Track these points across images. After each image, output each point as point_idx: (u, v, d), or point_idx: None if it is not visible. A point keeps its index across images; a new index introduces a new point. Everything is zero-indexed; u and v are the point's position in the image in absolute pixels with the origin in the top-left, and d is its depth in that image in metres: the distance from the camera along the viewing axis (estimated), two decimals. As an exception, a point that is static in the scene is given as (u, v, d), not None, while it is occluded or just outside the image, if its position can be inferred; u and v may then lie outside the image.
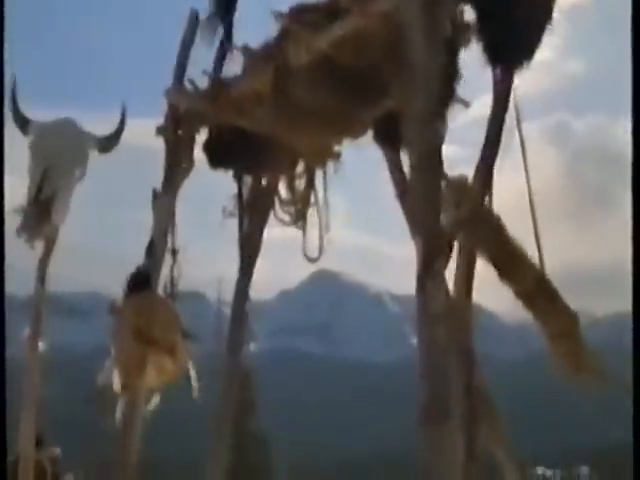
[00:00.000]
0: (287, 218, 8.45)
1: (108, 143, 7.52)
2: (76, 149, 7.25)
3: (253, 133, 7.66)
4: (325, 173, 8.33)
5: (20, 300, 6.88)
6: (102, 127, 7.66)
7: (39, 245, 7.11)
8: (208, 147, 8.08)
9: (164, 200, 7.84)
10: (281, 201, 8.47)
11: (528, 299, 6.60)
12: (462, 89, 6.92)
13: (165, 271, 7.83)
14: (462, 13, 6.54)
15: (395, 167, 7.38)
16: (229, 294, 8.71)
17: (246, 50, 7.58)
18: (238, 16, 7.98)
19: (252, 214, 8.47)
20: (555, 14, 6.46)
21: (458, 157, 6.85)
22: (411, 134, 5.78)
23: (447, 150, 5.98)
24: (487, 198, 6.50)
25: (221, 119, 7.81)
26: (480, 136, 6.55)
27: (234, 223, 8.51)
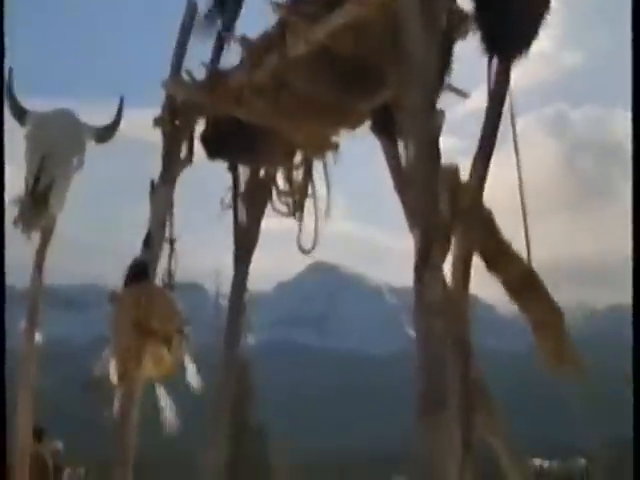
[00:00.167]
0: (284, 209, 8.44)
1: (105, 134, 7.52)
2: (73, 139, 7.25)
3: (251, 124, 7.65)
4: (325, 164, 8.32)
5: (17, 291, 6.88)
6: (99, 118, 7.66)
7: (36, 236, 7.11)
8: (205, 138, 8.07)
9: (162, 191, 7.83)
10: (279, 192, 8.46)
11: (514, 290, 6.67)
12: (461, 80, 6.92)
13: (163, 262, 7.83)
14: (459, 3, 6.53)
15: (393, 158, 7.37)
16: (227, 286, 8.71)
17: (244, 41, 7.56)
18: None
19: (250, 205, 8.46)
20: (552, 5, 6.45)
21: (457, 148, 6.85)
22: (409, 125, 5.78)
23: (446, 142, 5.98)
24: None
25: (219, 110, 7.79)
26: (479, 128, 6.55)
27: (232, 215, 8.50)
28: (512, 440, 7.03)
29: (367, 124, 7.67)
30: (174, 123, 8.06)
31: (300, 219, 8.37)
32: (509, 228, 6.73)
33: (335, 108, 7.44)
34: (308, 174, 8.36)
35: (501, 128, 6.58)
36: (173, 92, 8.06)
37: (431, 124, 5.63)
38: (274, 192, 8.47)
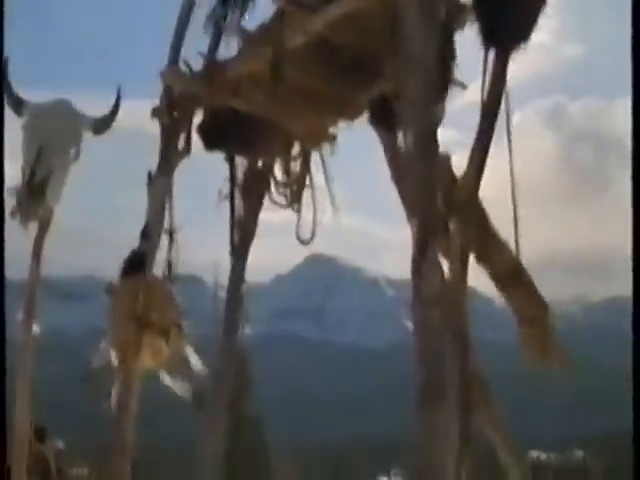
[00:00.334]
0: (282, 201, 8.43)
1: (103, 124, 7.50)
2: (70, 130, 7.23)
3: (248, 115, 7.63)
4: (322, 156, 8.31)
5: (15, 283, 6.87)
6: (97, 109, 7.65)
7: (33, 227, 7.10)
8: (203, 129, 8.05)
9: (159, 182, 7.81)
10: (276, 183, 8.44)
11: (502, 283, 6.69)
12: (458, 72, 6.89)
13: (163, 253, 7.83)
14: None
15: (391, 150, 7.36)
16: (225, 278, 8.70)
17: (242, 31, 7.53)
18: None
19: (247, 197, 8.44)
20: (551, -4, 6.42)
21: (455, 141, 6.82)
22: (407, 116, 5.76)
23: (444, 134, 5.96)
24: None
25: (216, 101, 7.77)
26: (476, 120, 6.54)
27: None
28: (510, 432, 7.04)
29: (365, 116, 7.66)
30: (172, 114, 8.04)
31: (298, 211, 8.36)
32: (504, 220, 6.73)
33: (333, 99, 7.43)
34: (306, 165, 8.35)
35: (499, 120, 6.57)
36: (171, 83, 8.03)
37: (429, 115, 5.61)
38: (272, 183, 8.46)
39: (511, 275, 6.65)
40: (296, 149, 8.37)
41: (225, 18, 7.75)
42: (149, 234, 7.61)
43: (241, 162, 8.53)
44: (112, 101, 7.67)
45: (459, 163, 6.54)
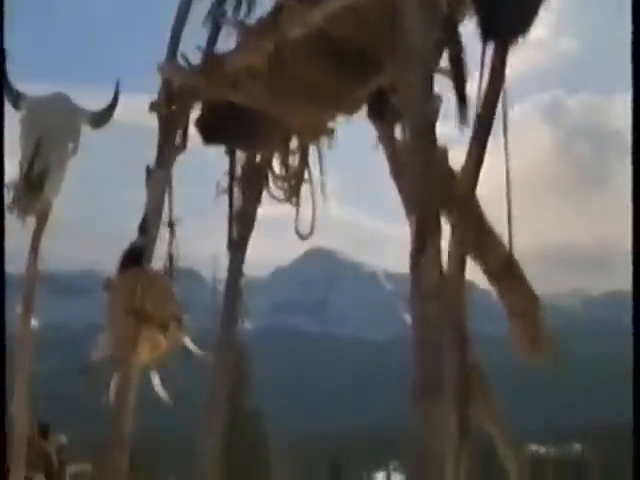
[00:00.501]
0: (281, 194, 8.42)
1: (101, 118, 7.49)
2: (68, 123, 7.22)
3: (247, 109, 7.62)
4: (319, 150, 8.30)
5: (13, 277, 6.86)
6: (96, 103, 7.63)
7: (31, 220, 7.10)
8: (201, 123, 8.04)
9: (157, 176, 7.80)
10: (275, 177, 8.43)
11: (494, 276, 6.70)
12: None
13: (162, 247, 7.82)
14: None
15: (389, 144, 7.35)
16: (224, 272, 8.70)
17: (240, 25, 7.52)
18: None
19: (246, 190, 8.44)
20: (550, -10, 6.41)
21: (453, 135, 6.81)
22: (405, 110, 5.75)
23: (441, 128, 5.96)
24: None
25: (215, 95, 7.76)
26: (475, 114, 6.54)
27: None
28: (508, 425, 7.05)
29: (364, 110, 7.65)
30: (170, 108, 8.03)
31: (296, 204, 8.36)
32: (502, 214, 6.74)
33: (332, 93, 7.41)
34: (304, 159, 8.34)
35: (496, 115, 6.57)
36: (169, 76, 8.02)
37: (428, 108, 5.60)
38: (270, 177, 8.45)
39: (503, 269, 6.67)
40: (294, 143, 8.36)
41: (224, 14, 7.74)
42: (147, 228, 7.60)
43: (239, 156, 8.52)
44: (111, 95, 7.66)
45: (457, 158, 6.55)
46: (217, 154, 8.44)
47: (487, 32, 6.46)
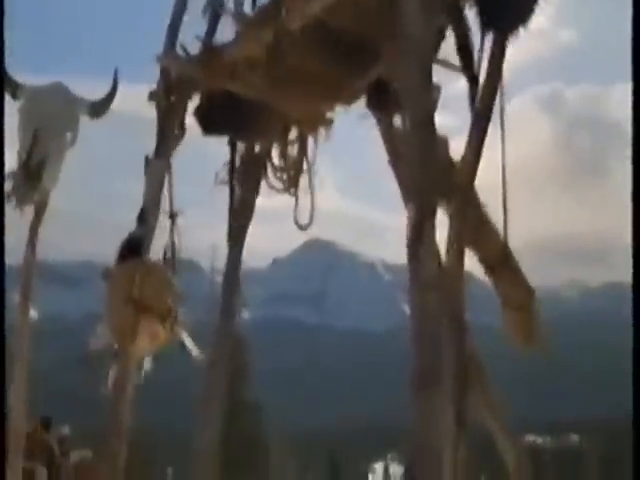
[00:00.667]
0: (279, 185, 8.41)
1: (100, 108, 7.47)
2: (67, 113, 7.20)
3: (246, 99, 7.60)
4: (316, 140, 8.29)
5: (11, 267, 6.86)
6: (94, 94, 7.61)
7: (29, 210, 7.08)
8: (200, 113, 8.02)
9: (156, 166, 7.79)
10: (274, 168, 8.42)
11: (491, 268, 6.72)
12: (456, 57, 6.87)
13: (161, 238, 7.81)
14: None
15: (388, 133, 7.35)
16: (223, 262, 8.69)
17: (239, 15, 7.50)
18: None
19: (245, 181, 8.42)
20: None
21: (452, 126, 6.81)
22: (404, 100, 5.74)
23: (441, 118, 5.95)
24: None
25: (213, 85, 7.74)
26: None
27: (227, 191, 8.47)
28: (506, 417, 7.06)
29: (363, 100, 7.63)
30: (169, 98, 8.01)
31: (295, 195, 8.34)
32: (498, 205, 6.74)
33: (330, 83, 7.39)
34: (303, 150, 8.32)
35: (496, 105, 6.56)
36: (168, 66, 8.01)
37: (427, 98, 5.59)
38: (269, 168, 8.44)
39: (500, 260, 6.69)
40: (293, 133, 8.35)
41: (222, 4, 7.72)
42: (145, 218, 7.60)
43: (239, 146, 8.50)
44: (110, 86, 7.64)
45: (457, 148, 6.55)
46: (216, 145, 8.43)
47: (486, 22, 6.45)
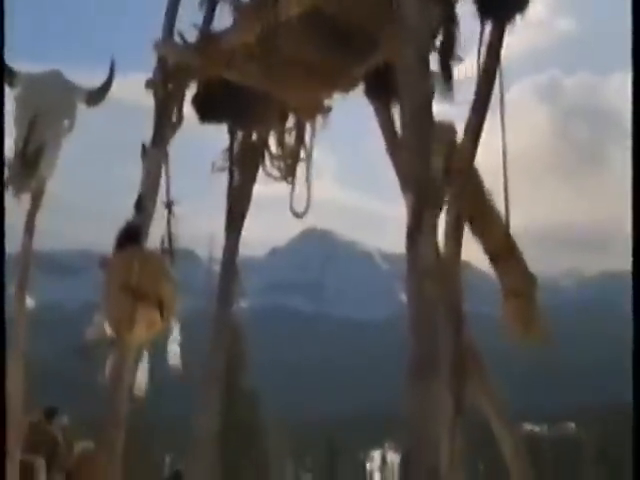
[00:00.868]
0: (276, 173, 8.39)
1: (97, 95, 7.44)
2: (64, 101, 7.17)
3: (243, 87, 7.58)
4: (314, 128, 8.27)
5: (8, 256, 6.83)
6: (92, 83, 7.58)
7: (26, 199, 7.06)
8: (197, 101, 8.00)
9: (153, 154, 7.77)
10: (271, 156, 8.40)
11: (494, 255, 6.73)
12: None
13: (159, 227, 7.80)
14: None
15: (386, 122, 7.33)
16: (220, 251, 8.68)
17: (236, 3, 7.47)
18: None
19: (242, 169, 8.41)
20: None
21: (450, 114, 6.80)
22: (402, 86, 5.72)
23: (439, 107, 5.95)
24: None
25: (210, 72, 7.71)
26: (473, 94, 6.53)
27: (224, 180, 8.45)
28: (503, 405, 7.07)
29: (361, 88, 7.62)
30: (166, 86, 7.98)
31: (292, 183, 8.33)
32: (498, 193, 6.76)
33: (328, 71, 7.38)
34: (300, 138, 8.30)
35: (493, 94, 6.55)
36: (165, 54, 7.97)
37: (425, 85, 5.58)
38: (266, 156, 8.42)
39: (503, 247, 6.70)
40: (291, 121, 8.33)
41: None
42: (143, 206, 7.58)
43: (236, 134, 8.48)
44: (106, 73, 7.61)
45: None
46: (213, 132, 8.41)
47: (484, 11, 6.45)
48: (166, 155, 7.92)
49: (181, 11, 8.11)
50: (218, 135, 8.46)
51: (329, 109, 8.17)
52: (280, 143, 8.33)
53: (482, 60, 6.50)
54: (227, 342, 8.60)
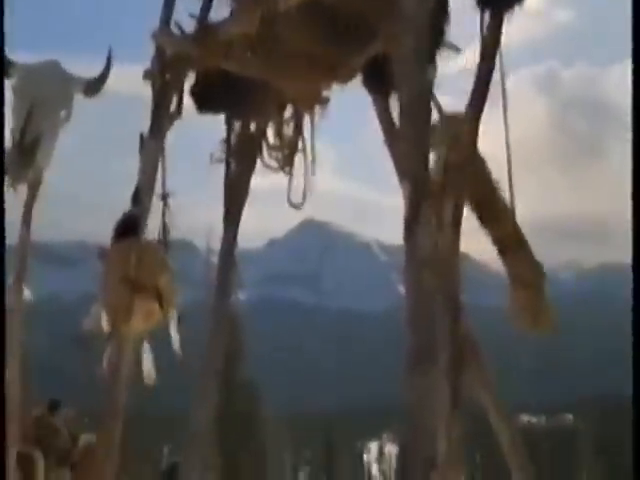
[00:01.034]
0: (274, 164, 8.38)
1: (94, 86, 7.42)
2: (61, 91, 7.14)
3: (241, 77, 7.56)
4: (313, 119, 8.25)
5: (7, 247, 6.81)
6: (88, 72, 7.56)
7: (23, 190, 7.05)
8: (195, 92, 7.98)
9: (151, 145, 7.75)
10: (269, 147, 8.38)
11: (505, 247, 6.73)
12: (453, 37, 6.87)
13: (156, 218, 7.78)
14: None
15: (384, 113, 7.32)
16: (218, 242, 8.67)
17: (234, -7, 7.44)
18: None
19: (240, 160, 8.39)
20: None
21: (449, 106, 6.79)
22: (400, 76, 5.71)
23: (438, 99, 5.93)
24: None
25: (208, 63, 7.69)
26: (471, 85, 6.52)
27: (223, 171, 8.44)
28: (500, 396, 7.07)
29: (359, 78, 7.60)
30: (164, 76, 7.95)
31: (290, 174, 8.32)
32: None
33: (326, 61, 7.36)
34: (298, 128, 8.29)
35: (492, 85, 6.55)
36: (162, 44, 7.94)
37: (423, 76, 5.57)
38: (264, 147, 8.40)
39: (512, 239, 6.70)
40: (289, 112, 8.31)
41: None
42: (140, 198, 7.56)
43: (234, 125, 8.46)
44: (103, 64, 7.58)
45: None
46: (211, 123, 8.40)
47: (483, 1, 6.44)
48: (162, 147, 7.90)
49: (179, 1, 8.08)
50: (219, 126, 8.46)
51: (327, 100, 8.15)
52: (278, 134, 8.31)
53: (481, 50, 6.49)
54: (225, 333, 8.60)
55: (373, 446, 73.62)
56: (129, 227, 7.42)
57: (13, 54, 7.14)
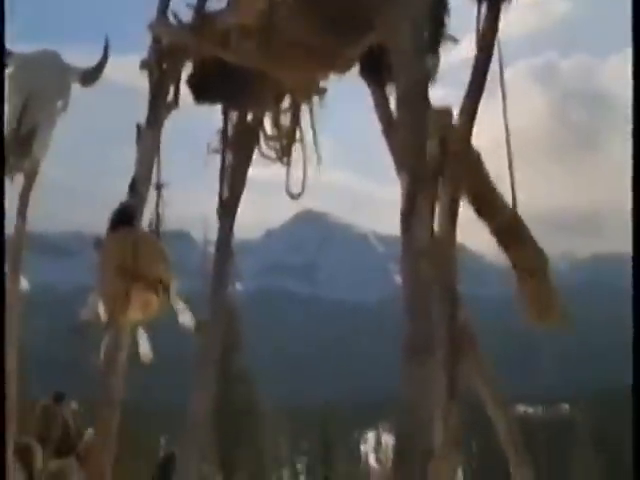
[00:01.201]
0: (272, 154, 8.36)
1: (91, 75, 7.41)
2: (57, 80, 7.14)
3: (238, 67, 7.54)
4: (311, 110, 8.23)
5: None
6: (85, 63, 7.55)
7: (19, 180, 7.04)
8: (193, 82, 7.96)
9: (148, 135, 7.74)
10: (266, 137, 8.36)
11: (503, 237, 6.72)
12: (451, 28, 6.87)
13: (150, 208, 7.78)
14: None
15: (381, 103, 7.31)
16: (215, 233, 8.66)
17: (231, -18, 7.42)
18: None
19: (237, 150, 8.37)
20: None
21: (447, 98, 6.79)
22: (397, 67, 5.70)
23: (435, 91, 5.94)
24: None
25: (205, 53, 7.67)
26: (469, 77, 6.52)
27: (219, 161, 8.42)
28: (497, 386, 7.08)
29: (356, 69, 7.59)
30: (161, 66, 7.94)
31: (288, 164, 8.30)
32: (496, 176, 6.75)
33: (324, 51, 7.34)
34: (296, 118, 8.27)
35: (490, 77, 6.55)
36: (159, 34, 7.93)
37: (421, 66, 5.56)
38: (262, 137, 8.39)
39: (511, 229, 6.69)
40: (286, 102, 8.29)
41: None
42: (137, 187, 7.56)
43: (231, 115, 8.44)
44: (100, 54, 7.57)
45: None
46: (209, 113, 8.38)
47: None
48: (158, 137, 7.89)
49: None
50: (216, 116, 8.44)
51: (325, 90, 8.13)
52: (276, 124, 8.29)
53: (478, 42, 6.48)
54: (222, 325, 8.59)
55: (370, 436, 73.81)
56: (125, 217, 7.42)
57: (10, 44, 7.13)
